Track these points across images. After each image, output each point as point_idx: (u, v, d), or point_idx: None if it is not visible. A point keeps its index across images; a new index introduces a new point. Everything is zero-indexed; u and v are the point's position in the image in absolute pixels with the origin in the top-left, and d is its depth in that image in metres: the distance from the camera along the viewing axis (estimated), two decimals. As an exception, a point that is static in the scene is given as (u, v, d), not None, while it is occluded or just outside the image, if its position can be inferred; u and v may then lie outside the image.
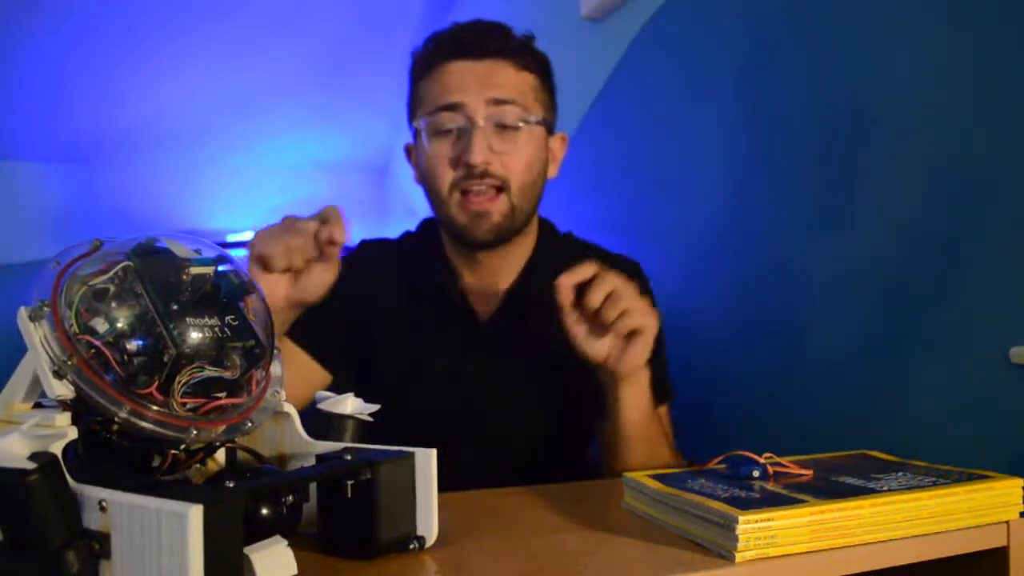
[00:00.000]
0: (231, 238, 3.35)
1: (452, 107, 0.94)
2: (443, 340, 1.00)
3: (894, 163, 0.94)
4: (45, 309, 0.44)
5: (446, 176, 0.95)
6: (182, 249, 0.49)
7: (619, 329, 0.80)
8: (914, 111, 0.92)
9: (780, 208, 1.13)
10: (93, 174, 3.31)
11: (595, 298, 0.79)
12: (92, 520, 0.41)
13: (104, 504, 0.40)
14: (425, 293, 1.02)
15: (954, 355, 0.85)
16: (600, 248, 1.09)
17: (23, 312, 0.44)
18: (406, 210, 3.60)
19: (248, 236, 3.41)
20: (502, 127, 0.95)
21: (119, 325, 0.44)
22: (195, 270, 0.47)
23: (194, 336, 0.45)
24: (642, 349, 0.81)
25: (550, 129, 1.02)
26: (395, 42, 2.98)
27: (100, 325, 0.44)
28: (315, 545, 0.53)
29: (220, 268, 0.49)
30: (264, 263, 0.82)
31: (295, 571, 0.45)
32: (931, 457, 0.69)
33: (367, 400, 0.62)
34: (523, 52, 0.98)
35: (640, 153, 1.49)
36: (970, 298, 0.83)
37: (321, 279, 0.84)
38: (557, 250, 1.04)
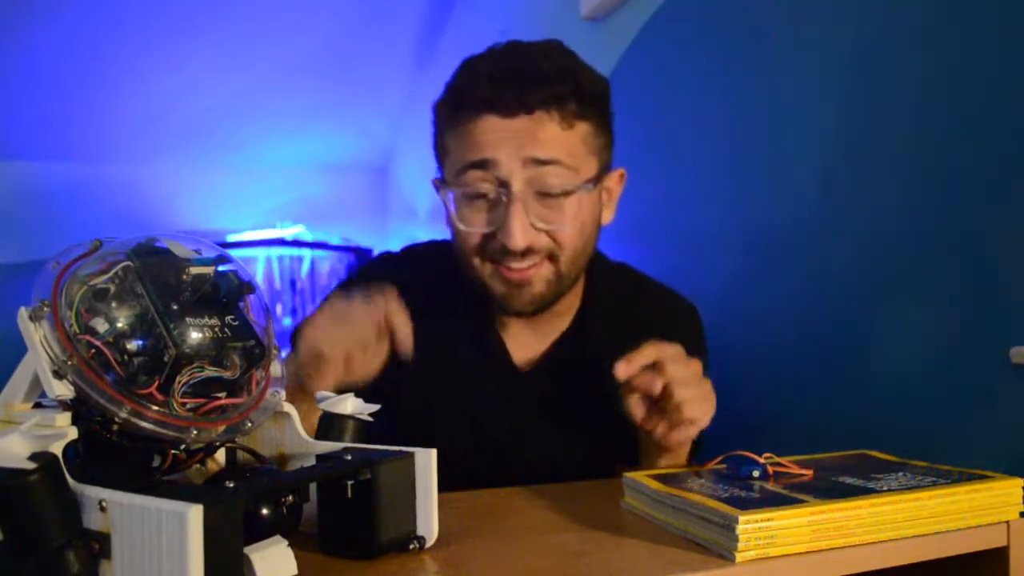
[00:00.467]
0: (231, 238, 3.35)
1: (483, 165, 0.79)
2: (476, 383, 0.90)
3: (895, 163, 0.94)
4: (45, 309, 0.44)
5: (478, 252, 0.82)
6: (182, 249, 0.49)
7: (674, 419, 0.72)
8: (912, 111, 0.92)
9: (780, 208, 1.14)
10: (93, 174, 3.31)
11: (655, 388, 0.71)
12: (92, 520, 0.41)
13: (104, 504, 0.40)
14: (462, 329, 0.91)
15: (954, 355, 0.85)
16: (657, 285, 0.99)
17: (23, 312, 0.44)
18: (406, 210, 3.60)
19: (247, 236, 3.41)
20: (546, 196, 0.79)
21: (119, 325, 0.44)
22: (195, 270, 0.47)
23: (194, 336, 0.45)
24: (693, 432, 0.73)
25: (607, 170, 0.87)
26: (395, 42, 2.99)
27: (100, 325, 0.44)
28: (315, 545, 0.53)
29: (220, 268, 0.49)
30: (316, 362, 0.73)
31: (295, 571, 0.45)
32: (931, 457, 0.69)
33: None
34: (570, 99, 0.79)
35: (641, 152, 1.49)
36: (970, 298, 0.83)
37: (374, 364, 0.74)
38: (609, 295, 0.93)
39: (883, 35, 0.96)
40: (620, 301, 0.95)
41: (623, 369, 0.71)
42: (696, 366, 0.73)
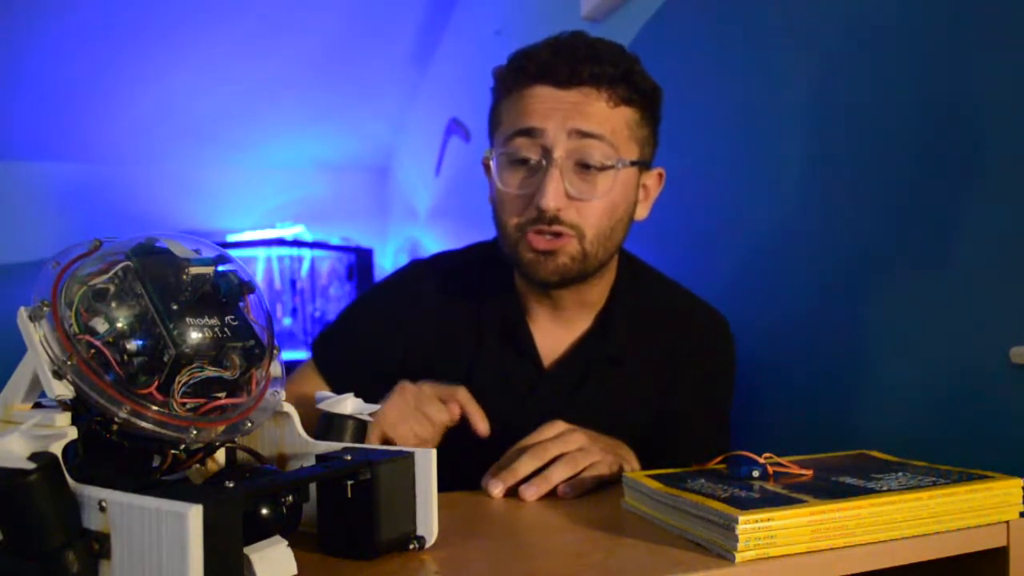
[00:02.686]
0: (231, 238, 3.35)
1: (529, 132, 0.84)
2: (502, 383, 0.93)
3: (895, 163, 0.94)
4: (45, 309, 0.44)
5: (513, 214, 0.86)
6: (182, 249, 0.49)
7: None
8: (913, 110, 0.92)
9: (780, 208, 1.14)
10: (93, 174, 3.31)
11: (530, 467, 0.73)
12: (92, 520, 0.41)
13: (104, 504, 0.40)
14: (490, 327, 0.94)
15: (954, 355, 0.85)
16: (689, 296, 1.01)
17: (23, 312, 0.44)
18: (406, 210, 3.61)
19: (247, 236, 3.41)
20: (584, 166, 0.84)
21: (119, 325, 0.44)
22: (195, 270, 0.47)
23: (194, 336, 0.45)
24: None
25: (646, 166, 0.91)
26: (396, 43, 2.99)
27: (100, 325, 0.44)
28: (315, 545, 0.53)
29: (220, 268, 0.49)
30: (389, 442, 0.77)
31: (295, 571, 0.45)
32: (931, 457, 0.69)
33: None
34: (623, 82, 0.84)
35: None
36: (970, 298, 0.83)
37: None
38: (636, 299, 0.96)
39: (883, 35, 0.96)
40: (643, 303, 0.97)
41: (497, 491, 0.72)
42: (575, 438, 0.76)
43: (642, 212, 0.93)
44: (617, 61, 0.84)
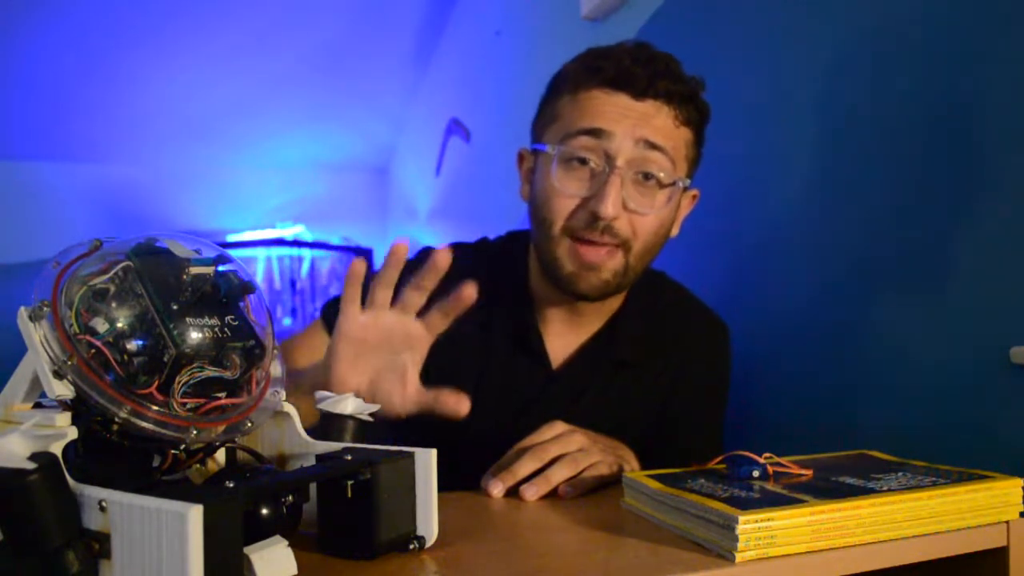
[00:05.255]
0: (231, 238, 3.36)
1: (596, 133, 0.82)
2: (509, 383, 0.93)
3: (895, 162, 0.94)
4: (45, 309, 0.44)
5: (563, 216, 0.84)
6: (182, 249, 0.49)
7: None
8: (913, 109, 0.92)
9: (780, 207, 1.14)
10: (93, 174, 3.31)
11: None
12: (92, 520, 0.41)
13: (104, 504, 0.40)
14: (500, 327, 0.93)
15: (954, 355, 0.85)
16: (691, 298, 1.01)
17: (23, 312, 0.44)
18: (406, 210, 3.60)
19: (247, 236, 3.41)
20: (645, 177, 0.83)
21: (119, 325, 0.44)
22: (195, 270, 0.47)
23: (194, 336, 0.45)
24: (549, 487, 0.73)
25: (688, 186, 0.91)
26: (396, 43, 2.99)
27: (100, 325, 0.44)
28: (315, 545, 0.53)
29: (220, 268, 0.49)
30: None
31: (295, 571, 0.45)
32: (931, 457, 0.69)
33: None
34: (689, 103, 0.86)
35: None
36: (970, 298, 0.83)
37: (396, 398, 0.72)
38: (645, 303, 0.96)
39: (883, 36, 0.96)
40: (651, 308, 0.97)
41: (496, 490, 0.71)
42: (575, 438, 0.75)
43: (675, 229, 0.93)
44: (688, 80, 0.86)
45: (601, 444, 0.78)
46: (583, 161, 0.83)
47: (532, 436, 0.76)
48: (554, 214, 0.85)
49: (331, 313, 0.98)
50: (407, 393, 0.72)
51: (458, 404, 0.71)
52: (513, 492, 0.72)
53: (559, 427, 0.77)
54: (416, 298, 0.72)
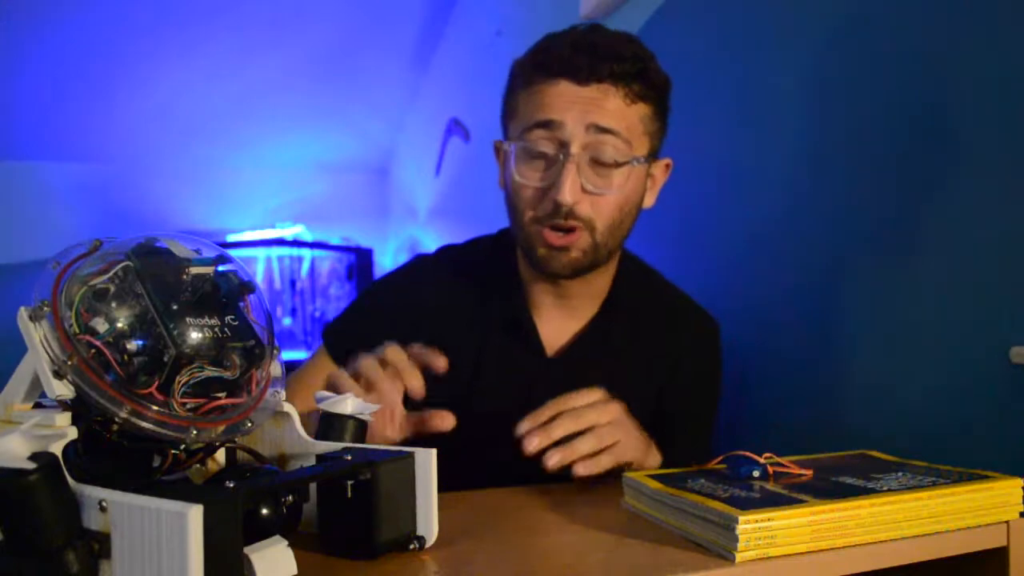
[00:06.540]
0: (231, 238, 3.35)
1: (548, 125, 0.85)
2: (506, 372, 0.94)
3: (895, 162, 0.94)
4: (45, 309, 0.44)
5: (529, 206, 0.88)
6: (182, 249, 0.49)
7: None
8: (912, 108, 0.92)
9: (779, 206, 1.14)
10: (93, 174, 3.31)
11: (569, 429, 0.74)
12: (92, 520, 0.41)
13: (104, 504, 0.40)
14: (494, 317, 0.96)
15: (954, 355, 0.85)
16: (683, 297, 1.02)
17: (23, 312, 0.44)
18: (406, 210, 3.61)
19: (247, 236, 3.40)
20: (599, 162, 0.85)
21: (119, 325, 0.44)
22: (195, 270, 0.47)
23: (194, 336, 0.45)
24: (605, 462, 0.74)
25: (655, 156, 0.92)
26: (396, 43, 2.99)
27: (100, 325, 0.44)
28: (315, 545, 0.53)
29: (220, 268, 0.49)
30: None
31: (295, 571, 0.45)
32: (931, 457, 0.69)
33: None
34: (639, 79, 0.86)
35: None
36: (970, 298, 0.83)
37: (388, 431, 0.76)
38: (639, 293, 0.98)
39: (881, 33, 0.96)
40: (648, 303, 0.98)
41: (529, 436, 0.72)
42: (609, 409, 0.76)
43: (649, 200, 0.94)
44: (635, 58, 0.86)
45: (635, 423, 0.78)
46: (540, 154, 0.86)
47: (572, 397, 0.76)
48: (521, 204, 0.89)
49: (332, 340, 0.99)
50: (395, 423, 0.76)
51: (443, 421, 0.75)
52: (514, 491, 0.72)
53: (598, 393, 0.77)
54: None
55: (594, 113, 0.84)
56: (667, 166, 0.96)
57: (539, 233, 0.88)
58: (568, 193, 0.83)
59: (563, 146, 0.84)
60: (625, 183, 0.87)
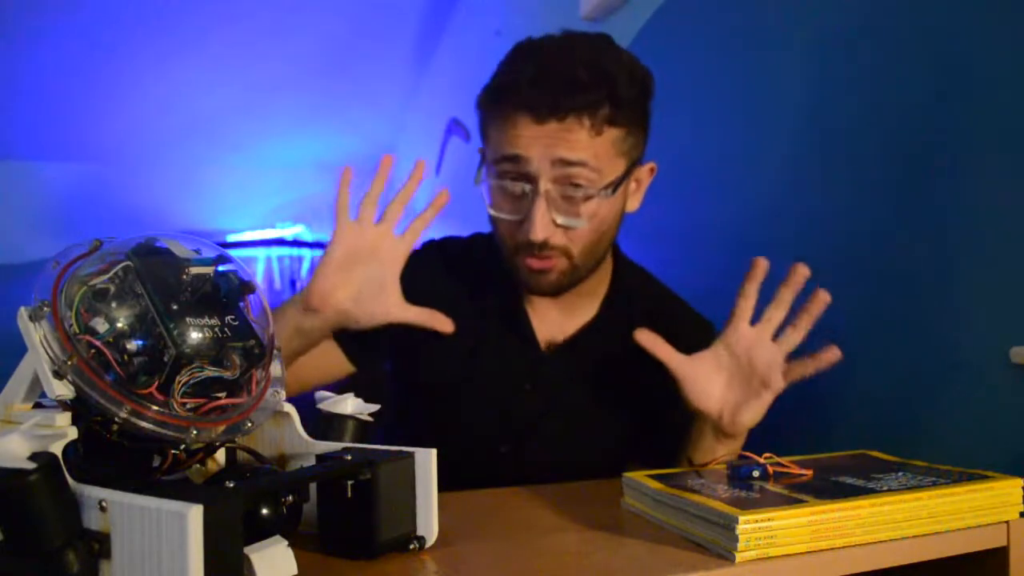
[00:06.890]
0: (231, 238, 3.35)
1: (514, 160, 0.83)
2: (501, 365, 0.95)
3: (894, 161, 0.94)
4: (45, 309, 0.44)
5: (507, 235, 0.88)
6: (182, 249, 0.49)
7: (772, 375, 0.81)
8: (911, 108, 0.92)
9: (778, 206, 1.13)
10: (93, 174, 3.31)
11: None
12: (92, 520, 0.41)
13: (104, 504, 0.40)
14: (491, 308, 0.96)
15: (954, 355, 0.85)
16: (675, 298, 1.03)
17: (23, 312, 0.44)
18: (406, 210, 3.60)
19: (247, 236, 3.39)
20: (568, 197, 0.83)
21: (119, 325, 0.44)
22: (195, 270, 0.47)
23: (194, 336, 0.45)
24: (764, 407, 0.79)
25: (638, 163, 0.90)
26: (395, 42, 2.99)
27: (100, 325, 0.44)
28: (315, 545, 0.53)
29: (220, 268, 0.49)
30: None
31: (295, 571, 0.45)
32: (931, 457, 0.69)
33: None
34: (606, 104, 0.82)
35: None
36: (970, 298, 0.83)
37: (379, 308, 0.81)
38: (635, 294, 0.99)
39: (882, 34, 0.96)
40: (644, 304, 0.98)
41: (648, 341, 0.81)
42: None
43: (633, 204, 0.93)
44: (599, 83, 0.82)
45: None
46: (510, 189, 0.85)
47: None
48: (500, 232, 0.89)
49: None
50: (389, 304, 0.82)
51: (443, 323, 0.80)
52: (514, 491, 0.72)
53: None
54: (397, 212, 0.85)
55: (559, 147, 0.81)
56: (651, 169, 0.93)
57: (519, 261, 0.88)
58: (539, 231, 0.82)
59: (531, 180, 0.83)
60: (598, 210, 0.85)
